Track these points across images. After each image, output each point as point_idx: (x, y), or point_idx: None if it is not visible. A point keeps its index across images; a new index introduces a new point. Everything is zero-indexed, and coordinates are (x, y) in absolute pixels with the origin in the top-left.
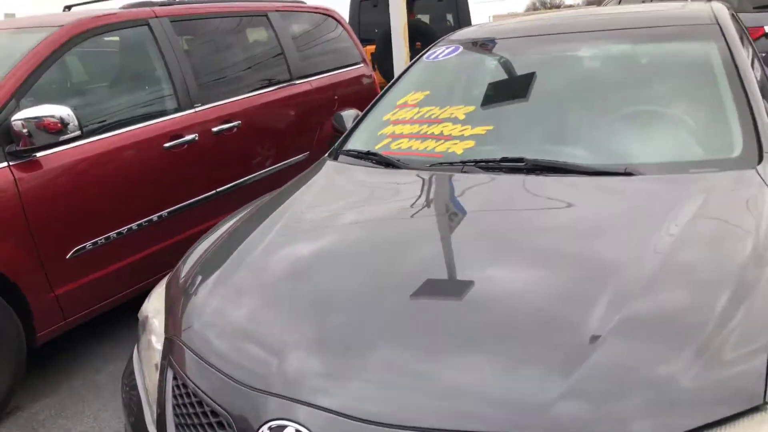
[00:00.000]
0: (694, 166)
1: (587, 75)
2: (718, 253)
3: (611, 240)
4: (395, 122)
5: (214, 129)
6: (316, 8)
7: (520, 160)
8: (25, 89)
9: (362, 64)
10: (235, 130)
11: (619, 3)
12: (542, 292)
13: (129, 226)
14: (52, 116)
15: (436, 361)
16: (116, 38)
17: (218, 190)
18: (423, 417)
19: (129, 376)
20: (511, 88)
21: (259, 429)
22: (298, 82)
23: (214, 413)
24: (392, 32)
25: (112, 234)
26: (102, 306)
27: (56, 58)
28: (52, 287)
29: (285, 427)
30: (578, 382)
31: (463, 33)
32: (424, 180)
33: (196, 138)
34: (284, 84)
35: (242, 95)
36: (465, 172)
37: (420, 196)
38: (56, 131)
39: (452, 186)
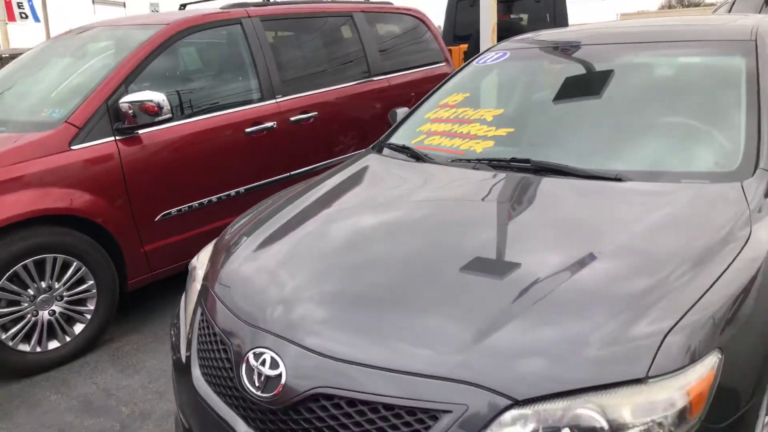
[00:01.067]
0: (687, 176)
1: (611, 86)
2: (662, 250)
3: (567, 232)
4: (434, 120)
5: (292, 118)
6: (401, 9)
7: (527, 161)
8: (133, 77)
9: (443, 63)
10: (311, 120)
11: (729, 11)
12: (495, 268)
13: (209, 198)
14: (151, 101)
15: (392, 316)
16: (213, 35)
17: (291, 173)
18: (368, 356)
19: (175, 317)
20: (536, 95)
21: (245, 354)
22: (375, 78)
23: (222, 342)
24: (481, 31)
25: (194, 204)
26: (181, 264)
27: (160, 52)
28: (142, 243)
29: (263, 353)
30: (496, 338)
31: (517, 39)
32: (437, 173)
33: (275, 125)
34: (362, 80)
35: (321, 89)
36: (476, 168)
37: (428, 185)
38: (154, 113)
39: (456, 179)
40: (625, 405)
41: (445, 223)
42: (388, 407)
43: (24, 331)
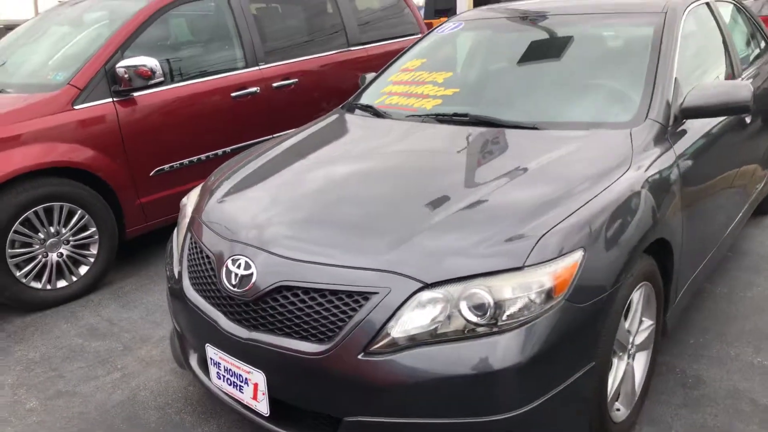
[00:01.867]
0: (593, 126)
1: (540, 52)
2: (557, 177)
3: (489, 166)
4: (395, 83)
5: (275, 84)
6: None
7: (465, 115)
8: (128, 44)
9: (420, 35)
10: (292, 86)
11: None
12: (415, 187)
13: (199, 156)
14: (145, 65)
15: (339, 232)
16: (201, 6)
17: (274, 135)
18: (320, 258)
19: (168, 253)
20: (480, 60)
21: (225, 261)
22: (354, 48)
23: (207, 256)
24: (458, 3)
25: (185, 161)
26: (174, 216)
27: (152, 22)
28: (138, 195)
29: (239, 259)
30: (414, 242)
31: (470, 12)
32: (392, 126)
33: (258, 91)
34: (341, 50)
35: (301, 57)
36: (424, 122)
37: (383, 136)
38: (147, 77)
39: (406, 131)
40: (506, 286)
41: (392, 164)
42: (333, 293)
43: (36, 270)
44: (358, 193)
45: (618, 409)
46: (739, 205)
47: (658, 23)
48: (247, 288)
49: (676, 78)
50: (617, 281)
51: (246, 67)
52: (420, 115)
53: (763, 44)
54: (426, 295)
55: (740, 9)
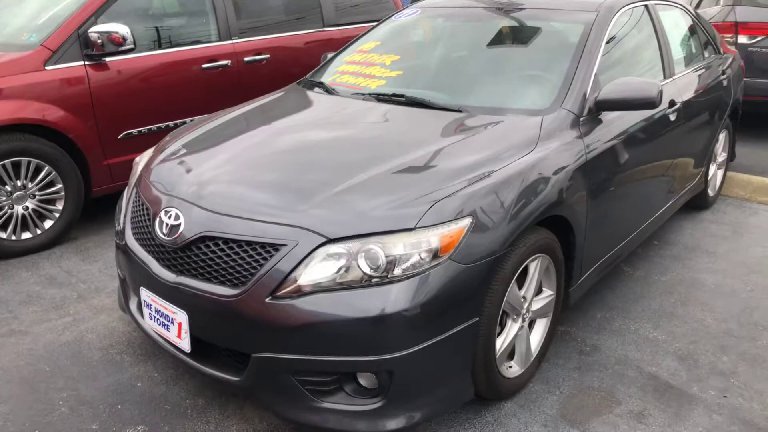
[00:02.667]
0: (512, 111)
1: (478, 41)
2: (463, 154)
3: (410, 141)
4: (348, 62)
5: (246, 59)
6: None
7: (402, 96)
8: (102, 11)
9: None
10: (264, 61)
11: None
12: (337, 156)
13: (167, 123)
14: (117, 32)
15: (260, 191)
16: None
17: None
18: (239, 212)
19: (118, 206)
20: (426, 46)
21: (159, 212)
22: (328, 29)
23: (146, 208)
24: None
25: (153, 127)
26: None
27: None
28: (105, 156)
29: (170, 211)
30: (322, 202)
31: (429, 0)
32: (336, 102)
33: (229, 64)
34: (316, 29)
35: (275, 34)
36: (365, 100)
37: (326, 110)
38: (119, 44)
39: (347, 107)
40: (399, 243)
41: (324, 136)
42: (249, 243)
43: (1, 221)
44: (285, 158)
45: (510, 366)
46: (663, 199)
47: (589, 21)
48: (175, 236)
49: (596, 73)
50: (505, 249)
51: (219, 40)
52: (363, 94)
53: (709, 49)
54: (329, 248)
55: (687, 13)
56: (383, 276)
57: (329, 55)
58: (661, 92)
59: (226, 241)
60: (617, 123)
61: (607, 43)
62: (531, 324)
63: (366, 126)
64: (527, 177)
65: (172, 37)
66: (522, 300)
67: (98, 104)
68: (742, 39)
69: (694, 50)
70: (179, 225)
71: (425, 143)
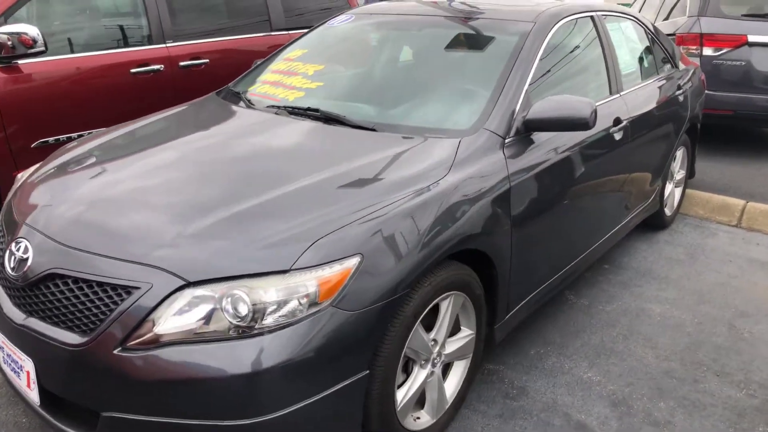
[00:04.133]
0: (430, 131)
1: (407, 53)
2: (366, 179)
3: (304, 161)
4: (273, 71)
5: (182, 63)
6: None
7: (316, 110)
8: (13, 11)
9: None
10: (202, 66)
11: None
12: (212, 183)
13: (89, 131)
14: (26, 33)
15: (116, 221)
16: None
17: None
18: (90, 246)
19: None
20: (351, 56)
21: (11, 242)
22: (275, 33)
23: (3, 234)
24: None
25: (74, 135)
26: None
27: None
28: (17, 166)
29: (21, 241)
30: (186, 238)
31: (366, 6)
32: (244, 115)
33: (162, 69)
34: (262, 33)
35: (216, 38)
36: (278, 114)
37: (226, 124)
38: (29, 46)
39: (252, 121)
40: (270, 288)
41: (210, 157)
42: (100, 284)
43: None
44: (161, 183)
45: (419, 417)
46: (612, 221)
47: (524, 31)
48: (22, 272)
49: (528, 90)
50: (404, 290)
51: (151, 43)
52: (278, 107)
53: (666, 63)
54: (190, 292)
55: (640, 25)
56: (251, 326)
57: (259, 62)
58: (595, 112)
59: (75, 280)
60: (551, 144)
61: (545, 57)
62: (448, 367)
63: (265, 145)
64: (433, 208)
65: (97, 39)
66: (431, 343)
67: (7, 110)
68: (707, 51)
69: (647, 64)
70: (27, 259)
71: (323, 167)
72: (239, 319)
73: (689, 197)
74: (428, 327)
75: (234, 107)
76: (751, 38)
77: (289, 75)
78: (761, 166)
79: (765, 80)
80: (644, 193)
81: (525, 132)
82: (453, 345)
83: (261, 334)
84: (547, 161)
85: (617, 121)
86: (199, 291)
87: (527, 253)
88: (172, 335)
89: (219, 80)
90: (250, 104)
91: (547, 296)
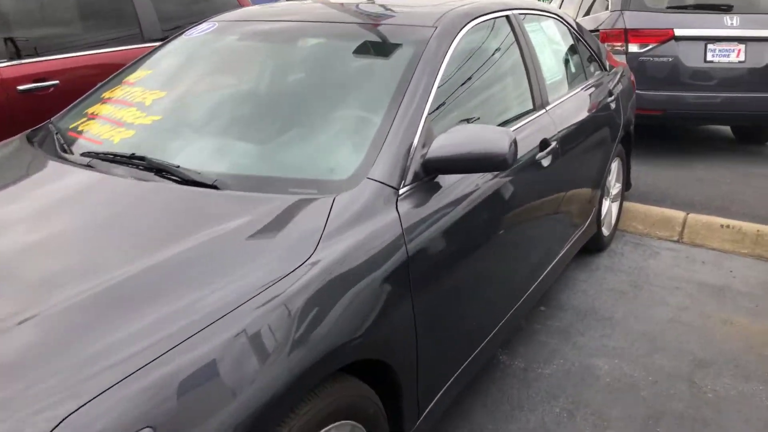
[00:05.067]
0: (294, 185)
1: (276, 73)
2: (171, 284)
3: (81, 255)
4: (105, 100)
5: (21, 87)
6: None
7: (142, 158)
8: None
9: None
10: (51, 89)
11: None
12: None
13: None
14: None
15: None
16: None
17: None
18: None
19: None
20: (204, 78)
21: None
22: (148, 45)
23: None
24: None
25: None
26: None
27: None
28: None
29: None
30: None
31: (236, 12)
32: (45, 170)
33: None
34: (131, 46)
35: (68, 54)
36: (87, 166)
37: (19, 183)
38: None
39: (53, 179)
40: None
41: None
42: None
43: None
44: None
45: None
46: (546, 259)
47: (422, 41)
48: None
49: (426, 117)
50: None
51: None
52: (97, 153)
53: (593, 65)
54: None
55: (562, 23)
56: None
57: (100, 85)
58: (514, 143)
59: None
60: (462, 185)
61: (450, 71)
62: None
63: (53, 222)
64: (286, 322)
65: None
66: None
67: None
68: (633, 48)
69: (573, 69)
70: None
71: (120, 261)
72: None
73: (626, 211)
74: None
75: (39, 157)
76: (678, 32)
77: (123, 106)
78: (693, 168)
79: (694, 76)
80: (580, 217)
81: (426, 176)
82: None
83: None
84: (457, 210)
85: (544, 144)
86: None
87: (440, 333)
88: None
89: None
90: (63, 150)
91: (472, 373)
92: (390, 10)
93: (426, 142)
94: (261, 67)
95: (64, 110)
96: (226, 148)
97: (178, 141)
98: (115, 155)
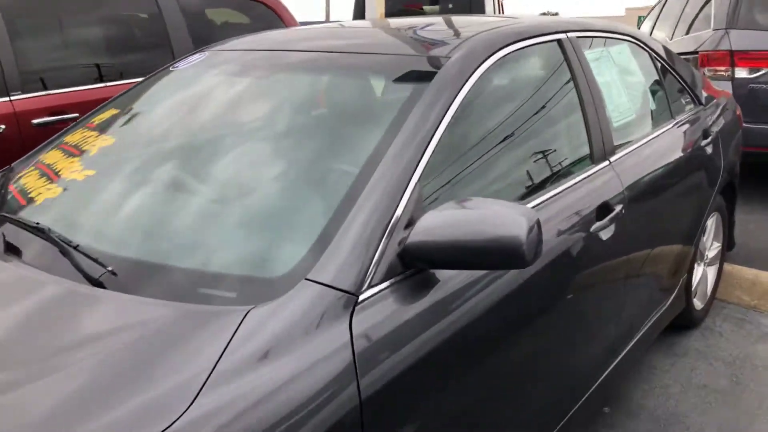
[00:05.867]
0: (211, 282)
1: (237, 115)
2: None
3: None
4: (60, 146)
5: (36, 121)
6: None
7: (45, 229)
8: None
9: None
10: (69, 123)
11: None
12: None
13: None
14: None
15: None
16: None
17: None
18: None
19: None
20: (154, 123)
21: None
22: None
23: None
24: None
25: None
26: None
27: None
28: None
29: None
30: None
31: (234, 41)
32: None
33: (4, 129)
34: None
35: (87, 85)
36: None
37: None
38: None
39: None
40: None
41: None
42: None
43: None
44: None
45: None
46: (607, 354)
47: (427, 76)
48: None
49: (418, 184)
50: None
51: None
52: (7, 217)
53: (684, 100)
54: None
55: (644, 48)
56: None
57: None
58: (535, 228)
59: None
60: (463, 280)
61: (464, 118)
62: None
63: None
64: None
65: None
66: None
67: None
68: (741, 73)
69: (655, 106)
70: None
71: None
72: None
73: (728, 276)
74: None
75: None
76: None
77: (70, 154)
78: None
79: None
80: (661, 292)
81: (405, 270)
82: None
83: None
84: (455, 321)
85: (605, 210)
86: None
87: None
88: None
89: None
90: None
91: None
92: (405, 33)
93: (413, 218)
94: (216, 108)
95: (32, 152)
96: (145, 220)
97: (97, 206)
98: (23, 222)
